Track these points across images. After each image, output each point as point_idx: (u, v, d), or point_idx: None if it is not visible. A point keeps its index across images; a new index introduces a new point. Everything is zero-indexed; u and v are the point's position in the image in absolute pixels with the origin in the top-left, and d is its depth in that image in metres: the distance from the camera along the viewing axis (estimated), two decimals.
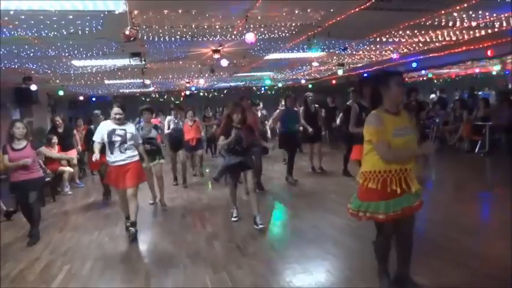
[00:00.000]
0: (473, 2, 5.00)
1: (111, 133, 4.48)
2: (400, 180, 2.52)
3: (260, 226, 4.46)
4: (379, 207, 2.53)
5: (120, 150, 4.50)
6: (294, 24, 5.73)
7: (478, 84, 13.78)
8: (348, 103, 6.69)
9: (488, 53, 8.79)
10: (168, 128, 7.22)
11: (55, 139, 7.79)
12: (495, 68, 12.33)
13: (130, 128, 4.66)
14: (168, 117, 7.60)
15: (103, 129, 4.52)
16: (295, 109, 7.35)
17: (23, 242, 4.69)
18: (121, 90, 15.29)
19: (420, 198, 2.64)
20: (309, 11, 5.05)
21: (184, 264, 3.72)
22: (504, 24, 6.41)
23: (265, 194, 6.27)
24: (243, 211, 5.06)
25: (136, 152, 4.69)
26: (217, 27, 5.52)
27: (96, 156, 4.40)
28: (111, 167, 4.59)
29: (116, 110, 4.57)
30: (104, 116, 6.44)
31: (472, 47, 8.67)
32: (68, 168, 7.73)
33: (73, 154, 8.00)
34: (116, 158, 4.51)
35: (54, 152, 7.53)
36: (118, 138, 4.48)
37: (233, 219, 4.88)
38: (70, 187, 7.73)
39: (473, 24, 6.31)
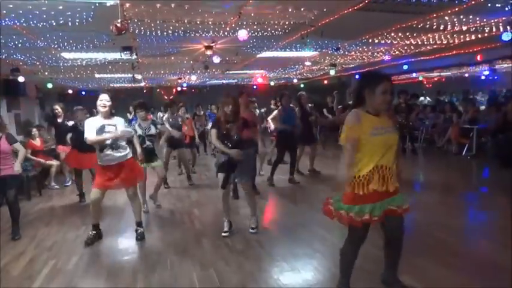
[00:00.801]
0: (465, 6, 5.07)
1: (101, 130, 4.07)
2: (383, 179, 2.49)
3: (251, 230, 4.33)
4: (363, 210, 2.49)
5: (112, 148, 4.09)
6: (287, 23, 5.73)
7: (470, 88, 14.00)
8: (349, 102, 6.63)
9: (478, 57, 8.93)
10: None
11: (35, 131, 7.41)
12: (484, 73, 12.53)
13: (119, 122, 4.23)
14: (164, 115, 7.31)
15: (91, 126, 4.07)
16: (292, 106, 7.24)
17: (8, 236, 4.60)
18: (111, 85, 15.12)
19: (406, 203, 2.61)
20: (302, 9, 5.05)
21: (172, 261, 3.69)
22: (494, 29, 6.52)
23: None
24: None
25: (128, 149, 4.30)
26: (210, 23, 5.48)
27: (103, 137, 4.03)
28: (101, 167, 4.16)
29: (102, 95, 4.11)
30: (88, 112, 6.16)
31: (462, 51, 8.79)
32: (55, 162, 7.58)
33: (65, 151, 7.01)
34: (107, 157, 4.09)
35: (37, 144, 7.33)
36: (110, 135, 4.09)
37: (223, 234, 4.27)
38: (57, 182, 7.58)
39: (464, 28, 6.40)
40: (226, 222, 4.38)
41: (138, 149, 4.96)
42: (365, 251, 2.83)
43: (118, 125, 4.17)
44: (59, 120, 7.30)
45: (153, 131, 5.35)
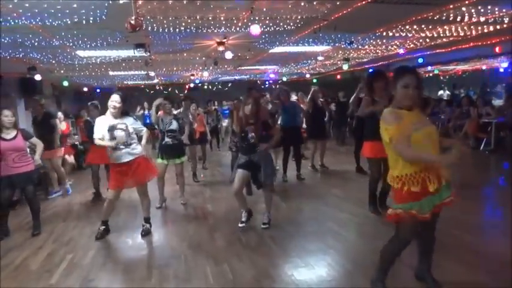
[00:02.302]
0: None
1: (112, 129, 4.10)
2: (435, 177, 2.39)
3: (263, 226, 4.35)
4: (423, 206, 2.40)
5: (122, 145, 4.12)
6: (299, 17, 5.67)
7: (488, 81, 13.66)
8: (360, 96, 6.41)
9: (497, 49, 8.68)
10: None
11: (60, 115, 7.34)
12: (502, 65, 12.19)
13: (130, 121, 4.28)
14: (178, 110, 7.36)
15: (102, 126, 4.12)
16: (293, 102, 7.14)
17: (27, 231, 4.72)
18: (125, 82, 15.29)
19: (451, 193, 2.50)
20: (315, 3, 4.98)
21: (186, 255, 3.73)
22: None
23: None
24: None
25: (139, 147, 4.31)
26: (222, 18, 5.47)
27: (104, 143, 4.09)
28: (114, 165, 4.22)
29: (114, 96, 4.15)
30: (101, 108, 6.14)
31: (480, 43, 8.56)
32: (71, 159, 7.65)
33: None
34: (119, 154, 4.13)
35: (62, 128, 7.25)
36: (121, 133, 4.12)
37: (240, 225, 4.36)
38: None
39: (482, 19, 6.21)
40: (244, 212, 4.42)
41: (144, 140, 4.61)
42: (378, 247, 2.79)
43: (128, 123, 4.22)
44: (38, 118, 6.63)
45: (174, 126, 5.34)
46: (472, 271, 3.05)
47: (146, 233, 4.39)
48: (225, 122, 12.86)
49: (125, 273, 3.47)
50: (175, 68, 11.42)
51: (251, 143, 4.19)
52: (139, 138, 4.41)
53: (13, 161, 4.46)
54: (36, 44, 6.24)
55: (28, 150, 4.82)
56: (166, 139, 5.31)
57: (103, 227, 4.42)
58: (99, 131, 4.15)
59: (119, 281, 3.35)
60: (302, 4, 5.00)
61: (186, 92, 16.25)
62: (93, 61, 8.67)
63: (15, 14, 4.41)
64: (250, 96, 4.32)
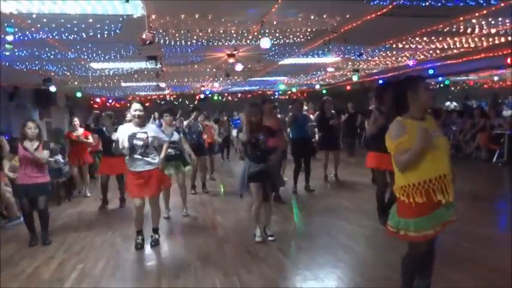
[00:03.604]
0: (493, 8, 4.92)
1: (132, 137, 4.10)
2: (441, 189, 2.33)
3: (270, 238, 4.34)
4: (421, 225, 2.34)
5: (141, 156, 4.14)
6: (309, 30, 5.74)
7: (500, 92, 13.52)
8: (370, 108, 6.45)
9: (508, 60, 8.61)
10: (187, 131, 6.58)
11: (76, 121, 7.36)
12: None
13: (151, 129, 4.28)
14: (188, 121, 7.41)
15: (123, 134, 4.16)
16: (304, 114, 7.16)
17: (39, 240, 4.76)
18: (137, 93, 15.53)
19: (454, 211, 2.44)
20: (324, 16, 5.04)
21: (195, 266, 3.74)
22: None
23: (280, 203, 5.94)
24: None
25: (157, 158, 4.31)
26: (232, 32, 5.56)
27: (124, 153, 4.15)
28: (131, 173, 4.22)
29: (135, 105, 4.17)
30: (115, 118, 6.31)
31: (491, 55, 8.50)
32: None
33: None
34: (136, 163, 4.16)
35: (77, 135, 7.28)
36: (140, 143, 4.11)
37: (257, 239, 4.29)
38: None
39: (493, 31, 6.20)
40: (257, 229, 4.35)
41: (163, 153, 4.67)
42: (388, 259, 2.77)
43: (149, 133, 4.20)
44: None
45: (175, 137, 5.39)
46: (481, 285, 3.00)
47: (155, 244, 4.42)
48: (235, 133, 12.95)
49: (135, 283, 3.50)
50: (186, 80, 11.59)
51: (264, 150, 4.16)
52: (160, 148, 4.39)
53: (31, 171, 4.59)
54: (52, 56, 6.43)
55: None
56: (169, 150, 5.32)
57: (140, 237, 4.40)
58: (120, 137, 4.18)
59: None
60: (312, 17, 5.06)
61: (196, 102, 16.42)
62: (106, 73, 8.86)
63: (33, 29, 4.57)
64: (251, 108, 4.32)
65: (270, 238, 4.35)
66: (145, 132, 4.17)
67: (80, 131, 7.44)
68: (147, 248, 4.38)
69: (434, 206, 2.34)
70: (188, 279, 3.47)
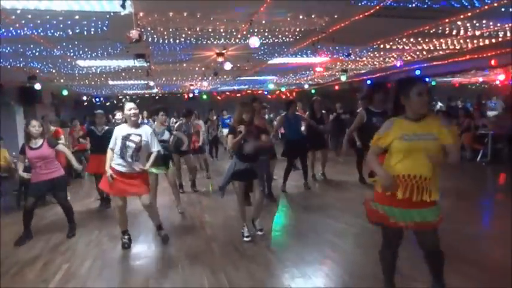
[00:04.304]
0: (478, 11, 5.03)
1: (126, 138, 4.04)
2: (406, 188, 2.41)
3: (259, 232, 4.41)
4: (391, 212, 2.47)
5: (130, 158, 4.05)
6: (298, 30, 5.77)
7: (484, 94, 13.78)
8: (357, 110, 6.53)
9: (492, 62, 8.80)
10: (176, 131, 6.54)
11: (75, 122, 7.57)
12: (499, 78, 12.34)
13: (146, 132, 4.17)
14: (177, 121, 7.39)
15: (118, 134, 4.11)
16: (297, 114, 7.20)
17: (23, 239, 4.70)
18: (125, 91, 15.38)
19: (439, 214, 2.48)
20: (313, 16, 5.08)
21: (183, 265, 3.72)
22: (508, 34, 6.43)
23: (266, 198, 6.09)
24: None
25: (141, 165, 4.15)
26: (221, 30, 5.56)
27: (107, 168, 4.07)
28: (114, 171, 4.09)
29: (130, 105, 4.09)
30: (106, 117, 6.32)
31: (476, 56, 8.69)
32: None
33: None
34: (123, 163, 4.07)
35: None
36: (132, 145, 4.04)
37: (245, 239, 4.28)
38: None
39: (477, 33, 6.33)
40: (245, 227, 4.37)
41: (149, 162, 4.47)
42: (375, 257, 2.80)
43: (143, 135, 4.12)
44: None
45: (166, 136, 5.38)
46: (468, 281, 3.06)
47: (166, 239, 4.39)
48: (225, 132, 12.93)
49: (122, 283, 3.47)
50: (174, 78, 11.52)
51: (251, 153, 4.16)
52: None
53: (40, 168, 4.66)
54: (37, 53, 6.31)
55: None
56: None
57: (126, 236, 4.37)
58: (114, 137, 4.12)
59: None
60: (300, 17, 5.09)
61: (185, 101, 16.36)
62: (93, 71, 8.74)
63: (17, 25, 4.48)
64: (243, 105, 4.33)
65: (258, 232, 4.40)
66: (140, 135, 4.10)
67: (52, 129, 7.47)
68: (134, 247, 4.34)
69: (399, 201, 2.44)
70: (176, 278, 3.46)
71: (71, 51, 6.38)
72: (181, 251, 4.13)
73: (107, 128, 6.15)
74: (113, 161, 4.14)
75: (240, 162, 4.23)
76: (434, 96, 14.89)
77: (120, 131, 4.15)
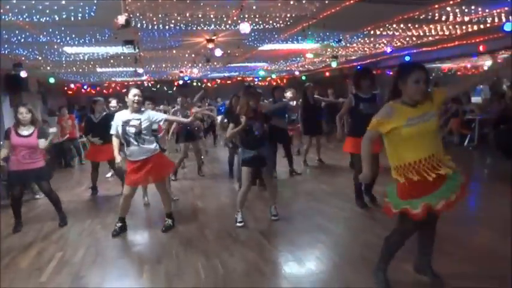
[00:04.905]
0: None
1: (126, 123, 4.06)
2: (433, 167, 2.42)
3: (273, 218, 4.47)
4: (416, 204, 2.45)
5: (136, 142, 4.07)
6: (288, 15, 5.73)
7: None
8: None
9: (480, 48, 8.88)
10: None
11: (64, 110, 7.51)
12: (486, 63, 12.46)
13: (147, 114, 4.17)
14: (169, 107, 7.39)
15: (118, 120, 4.13)
16: (284, 101, 7.19)
17: (11, 228, 4.69)
18: (113, 79, 15.14)
19: (457, 188, 2.48)
20: (304, 2, 5.04)
21: (177, 252, 3.77)
22: (496, 19, 6.48)
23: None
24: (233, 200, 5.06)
25: (154, 144, 4.24)
26: (211, 16, 5.48)
27: (116, 155, 4.18)
28: (129, 162, 4.17)
29: (134, 91, 4.09)
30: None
31: (465, 42, 8.76)
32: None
33: None
34: (133, 151, 4.10)
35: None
36: (132, 130, 4.05)
37: (238, 224, 4.36)
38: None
39: (466, 19, 6.37)
40: (239, 213, 4.43)
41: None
42: (365, 240, 2.88)
43: (143, 119, 4.11)
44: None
45: (155, 125, 5.35)
46: (455, 262, 3.16)
47: (167, 229, 4.38)
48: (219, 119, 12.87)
49: (116, 269, 3.50)
50: (164, 65, 11.37)
51: (257, 137, 4.22)
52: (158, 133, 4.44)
53: (23, 157, 4.51)
54: (22, 40, 6.15)
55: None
56: (150, 138, 5.25)
57: (120, 224, 4.37)
58: (115, 123, 4.15)
59: (111, 277, 3.36)
60: (291, 3, 5.05)
61: (175, 88, 16.19)
62: (81, 57, 8.58)
63: (1, 11, 4.36)
64: (249, 92, 4.38)
65: (273, 218, 4.47)
66: (139, 119, 4.10)
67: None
68: (128, 235, 4.37)
69: (430, 186, 2.44)
70: (170, 264, 3.50)
71: (58, 37, 6.23)
72: (174, 237, 4.17)
73: (104, 114, 6.13)
74: (126, 153, 4.19)
75: (246, 150, 4.29)
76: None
77: (120, 116, 4.16)
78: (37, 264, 3.68)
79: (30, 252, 3.99)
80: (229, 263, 3.43)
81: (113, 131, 4.20)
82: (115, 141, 4.24)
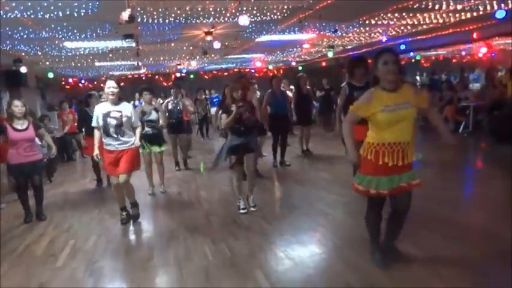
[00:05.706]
0: None
1: (106, 115, 4.17)
2: (393, 154, 2.60)
3: (252, 209, 4.57)
4: (371, 182, 2.67)
5: (115, 134, 4.20)
6: (286, 7, 5.84)
7: (467, 66, 14.06)
8: (342, 84, 6.67)
9: (474, 35, 9.02)
10: (167, 109, 6.73)
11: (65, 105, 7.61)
12: (481, 50, 12.60)
13: (126, 108, 4.29)
14: (165, 100, 7.47)
15: (98, 112, 4.23)
16: (282, 90, 7.30)
17: (33, 217, 4.89)
18: (111, 72, 15.18)
19: (416, 178, 2.73)
20: None
21: (184, 237, 3.94)
22: (488, 7, 6.62)
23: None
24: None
25: (133, 138, 4.35)
26: (210, 9, 5.59)
27: (95, 146, 4.31)
28: (105, 151, 4.30)
29: (109, 83, 4.18)
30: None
31: (458, 30, 8.89)
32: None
33: None
34: (110, 142, 4.23)
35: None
36: (113, 122, 4.17)
37: (241, 211, 4.50)
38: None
39: (459, 7, 6.50)
40: (241, 200, 4.60)
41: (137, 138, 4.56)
42: (364, 223, 3.05)
43: (124, 111, 4.24)
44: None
45: (154, 116, 5.45)
46: (450, 241, 3.33)
47: (135, 217, 4.55)
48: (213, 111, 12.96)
49: (128, 254, 3.67)
50: (162, 58, 11.44)
51: (247, 125, 4.35)
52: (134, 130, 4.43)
53: (24, 150, 4.65)
54: (24, 36, 6.24)
55: None
56: (146, 129, 5.37)
57: (124, 212, 4.54)
58: (95, 115, 4.26)
59: (123, 261, 3.53)
60: None
61: (173, 81, 16.24)
62: (81, 52, 8.66)
63: (7, 8, 4.45)
64: (238, 81, 4.49)
65: (252, 209, 4.59)
66: (120, 112, 4.21)
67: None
68: (136, 223, 4.54)
69: (383, 169, 2.65)
70: (179, 248, 3.66)
71: (59, 33, 6.33)
72: (181, 224, 4.34)
73: None
74: (103, 142, 4.30)
75: (235, 137, 4.39)
76: (417, 72, 15.13)
77: (100, 108, 4.25)
78: (51, 251, 3.85)
79: (43, 241, 4.16)
80: (236, 246, 3.61)
81: (94, 124, 4.29)
82: (96, 134, 4.35)
